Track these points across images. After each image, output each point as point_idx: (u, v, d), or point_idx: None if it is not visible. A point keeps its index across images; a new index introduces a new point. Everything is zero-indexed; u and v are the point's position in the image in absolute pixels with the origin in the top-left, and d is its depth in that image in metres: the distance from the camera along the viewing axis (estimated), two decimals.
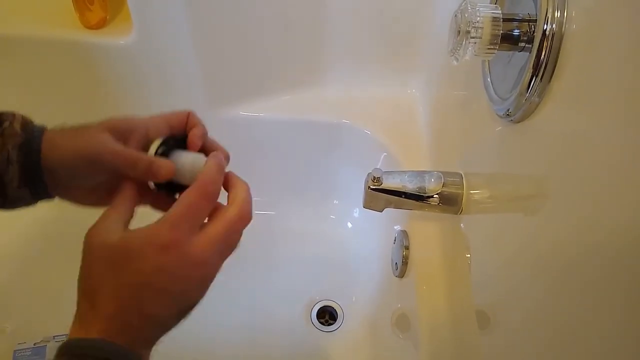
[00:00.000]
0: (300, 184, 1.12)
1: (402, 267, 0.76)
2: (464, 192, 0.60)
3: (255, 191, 1.18)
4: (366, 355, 0.91)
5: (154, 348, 0.33)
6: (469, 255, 0.62)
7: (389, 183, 0.60)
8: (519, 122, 0.45)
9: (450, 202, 0.60)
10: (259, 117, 0.99)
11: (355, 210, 1.11)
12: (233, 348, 0.94)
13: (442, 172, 0.61)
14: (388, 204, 0.62)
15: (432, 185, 0.60)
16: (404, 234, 0.78)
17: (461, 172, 0.62)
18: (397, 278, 0.79)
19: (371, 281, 0.98)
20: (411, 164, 0.82)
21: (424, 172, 0.62)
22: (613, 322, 0.30)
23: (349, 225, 1.12)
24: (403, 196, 0.60)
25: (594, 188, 0.32)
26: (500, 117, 0.48)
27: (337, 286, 1.02)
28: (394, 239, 0.82)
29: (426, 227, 0.74)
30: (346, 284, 1.02)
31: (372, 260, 1.00)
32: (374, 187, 0.60)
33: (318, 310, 1.01)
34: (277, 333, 0.97)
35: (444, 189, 0.60)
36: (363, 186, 0.62)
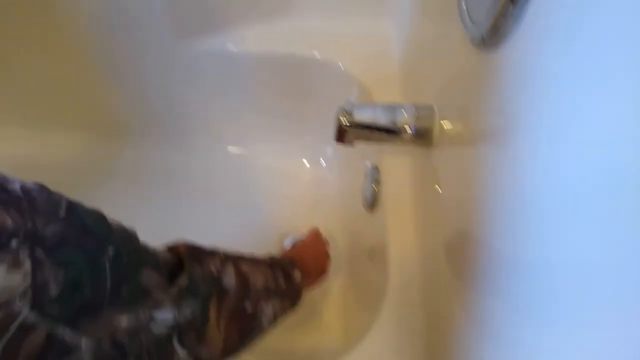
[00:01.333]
0: (271, 120, 1.09)
1: (373, 201, 0.76)
2: (436, 125, 0.59)
3: (225, 128, 1.15)
4: (340, 286, 0.94)
5: None
6: (439, 190, 0.62)
7: (360, 116, 0.59)
8: (492, 50, 0.44)
9: (422, 135, 0.60)
10: (225, 51, 0.94)
11: (328, 148, 1.10)
12: None
13: (414, 105, 0.60)
14: (359, 139, 0.61)
15: (404, 119, 0.59)
16: (376, 169, 0.78)
17: (433, 105, 0.61)
18: (367, 212, 0.80)
19: (344, 216, 0.99)
20: (384, 97, 0.80)
21: (396, 105, 0.60)
22: (576, 256, 0.30)
23: (322, 162, 1.12)
24: (375, 130, 0.59)
25: (562, 123, 0.32)
26: (475, 45, 0.47)
27: (310, 222, 1.03)
28: (365, 173, 0.82)
29: (397, 162, 0.74)
30: (319, 220, 1.03)
31: (345, 196, 1.01)
32: (344, 121, 0.59)
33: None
34: None
35: (416, 122, 0.59)
36: (335, 119, 0.61)
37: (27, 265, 0.30)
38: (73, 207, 0.36)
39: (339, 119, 0.59)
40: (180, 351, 0.44)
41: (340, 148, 1.05)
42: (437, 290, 0.59)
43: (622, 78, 0.26)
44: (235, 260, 0.58)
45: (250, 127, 1.11)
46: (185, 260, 0.49)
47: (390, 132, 0.59)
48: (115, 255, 0.37)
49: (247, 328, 0.56)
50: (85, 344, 0.33)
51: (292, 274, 0.70)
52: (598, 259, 0.28)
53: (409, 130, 0.59)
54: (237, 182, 1.10)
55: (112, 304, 0.36)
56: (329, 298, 0.91)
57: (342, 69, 0.89)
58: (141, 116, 1.09)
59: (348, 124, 0.59)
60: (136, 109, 1.07)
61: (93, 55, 0.97)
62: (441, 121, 0.59)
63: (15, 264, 0.30)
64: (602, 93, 0.28)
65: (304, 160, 1.12)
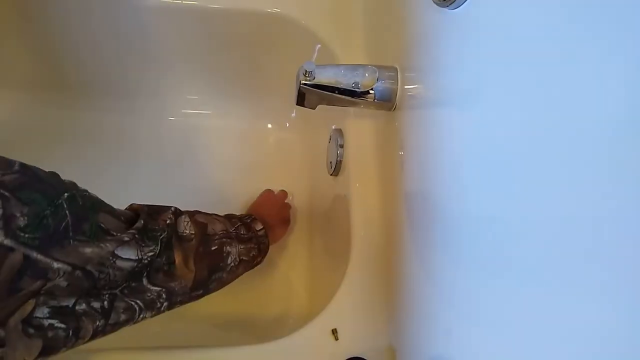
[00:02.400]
0: (232, 81, 1.05)
1: (337, 165, 0.75)
2: (399, 87, 0.58)
3: (179, 90, 1.08)
4: (304, 250, 0.94)
5: None
6: (402, 153, 0.61)
7: (321, 78, 0.57)
8: (455, 8, 0.42)
9: (384, 97, 0.58)
10: (179, 4, 0.89)
11: (292, 111, 1.07)
12: None
13: (376, 66, 0.59)
14: (321, 101, 0.60)
15: (366, 80, 0.57)
16: (339, 132, 0.76)
17: (396, 66, 0.59)
18: (332, 177, 0.79)
19: (309, 181, 0.98)
20: (348, 57, 0.78)
21: (358, 66, 0.59)
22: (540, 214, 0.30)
23: (287, 125, 1.09)
24: (337, 92, 0.57)
25: (525, 85, 0.31)
26: (437, 3, 0.45)
27: (273, 187, 1.02)
28: (329, 137, 0.81)
29: (361, 126, 0.73)
30: (283, 185, 1.02)
31: (310, 160, 1.00)
32: (305, 83, 0.57)
33: None
34: None
35: (379, 84, 0.58)
36: (295, 81, 0.59)
37: None
38: (26, 165, 0.40)
39: (299, 81, 0.57)
40: (152, 288, 0.50)
41: (304, 111, 1.03)
42: (398, 251, 0.60)
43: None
44: (189, 213, 0.61)
45: (208, 88, 1.06)
46: (140, 213, 0.52)
47: (353, 95, 0.57)
48: (71, 197, 0.41)
49: (215, 263, 0.61)
50: (57, 267, 0.39)
51: (251, 224, 0.73)
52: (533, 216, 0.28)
53: (371, 93, 0.57)
54: (193, 147, 1.06)
55: (76, 239, 0.40)
56: (295, 263, 0.91)
57: (305, 25, 0.86)
58: (86, 77, 1.02)
59: (309, 86, 0.57)
60: (80, 69, 1.00)
61: (33, 8, 0.90)
62: (404, 84, 0.57)
63: None
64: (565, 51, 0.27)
65: (268, 124, 1.10)
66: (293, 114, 1.08)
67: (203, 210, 0.66)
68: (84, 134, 1.04)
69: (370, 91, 0.58)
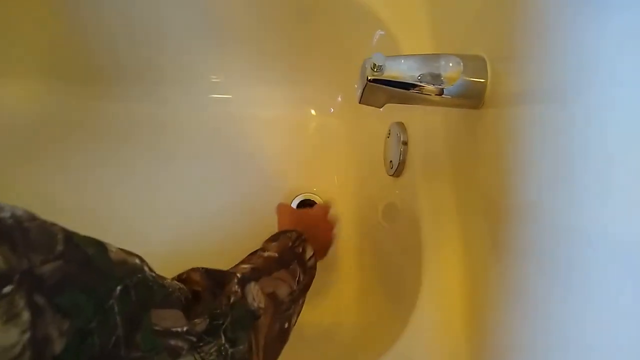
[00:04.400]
0: (270, 60, 0.95)
1: (399, 165, 0.65)
2: (489, 80, 0.47)
3: (209, 71, 0.96)
4: (353, 248, 0.85)
5: None
6: (486, 157, 0.51)
7: (393, 72, 0.47)
8: None
9: (470, 93, 0.48)
10: None
11: (338, 96, 0.97)
12: (203, 250, 0.86)
13: (459, 56, 0.48)
14: (390, 99, 0.49)
15: (450, 73, 0.47)
16: (401, 127, 0.66)
17: (483, 55, 0.49)
18: (391, 177, 0.69)
19: (357, 178, 0.88)
20: (412, 44, 0.67)
21: (437, 56, 0.48)
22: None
23: (331, 110, 0.99)
24: (412, 89, 0.47)
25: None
26: None
27: (318, 184, 0.93)
28: (387, 132, 0.71)
29: (429, 121, 0.62)
30: (329, 181, 0.92)
31: (359, 153, 0.90)
32: (374, 78, 0.47)
33: (298, 205, 0.92)
34: (249, 235, 0.88)
35: (464, 77, 0.47)
36: (359, 76, 0.49)
37: (26, 316, 0.24)
38: (70, 238, 0.29)
39: (365, 76, 0.47)
40: None
41: (352, 94, 0.93)
42: (479, 276, 0.51)
43: None
44: (252, 275, 0.49)
45: (242, 70, 0.97)
46: (202, 292, 0.41)
47: (432, 91, 0.47)
48: (124, 292, 0.31)
49: (281, 346, 0.50)
50: None
51: (304, 256, 0.62)
52: None
53: (455, 88, 0.47)
54: (228, 135, 0.97)
55: (129, 358, 0.30)
56: (340, 277, 0.83)
57: (361, 2, 0.75)
58: (107, 61, 0.93)
59: (378, 82, 0.47)
60: (101, 53, 0.91)
61: None
62: (497, 76, 0.47)
63: (11, 315, 0.24)
64: None
65: (311, 110, 1.00)
66: (339, 98, 0.98)
67: (258, 262, 0.54)
68: (101, 125, 0.96)
69: (453, 86, 0.47)
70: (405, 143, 0.65)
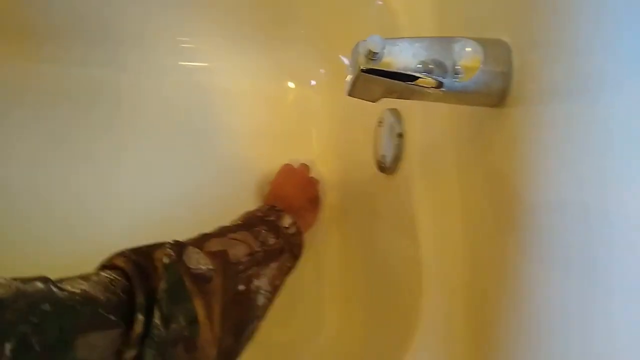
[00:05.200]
0: (243, 27, 0.82)
1: (392, 161, 0.55)
2: (514, 70, 0.37)
3: (182, 32, 0.83)
4: (335, 243, 0.76)
5: None
6: (503, 159, 0.41)
7: (393, 59, 0.36)
8: None
9: (490, 89, 0.38)
10: None
11: (321, 68, 0.85)
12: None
13: (478, 40, 0.37)
14: (389, 93, 0.39)
15: (466, 61, 0.36)
16: (396, 115, 0.56)
17: (507, 41, 0.38)
18: (382, 174, 0.59)
19: (342, 170, 0.78)
20: (415, 23, 0.55)
21: (449, 39, 0.37)
22: None
23: (313, 83, 0.88)
24: (416, 81, 0.36)
25: None
26: None
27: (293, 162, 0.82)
28: (378, 119, 0.60)
29: (430, 110, 0.52)
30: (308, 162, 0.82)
31: (345, 141, 0.80)
32: (369, 68, 0.36)
33: None
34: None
35: (484, 67, 0.37)
36: (350, 62, 0.38)
37: None
38: None
39: (357, 65, 0.36)
40: None
41: (337, 67, 0.81)
42: (489, 301, 0.42)
43: None
44: (195, 242, 0.45)
45: (215, 35, 0.84)
46: (131, 279, 0.37)
47: (442, 85, 0.37)
48: (20, 347, 0.26)
49: (244, 315, 0.45)
50: None
51: (279, 223, 0.57)
52: None
53: (472, 83, 0.37)
54: (193, 109, 0.85)
55: None
56: (324, 273, 0.74)
57: None
58: (59, 19, 0.79)
59: (374, 72, 0.36)
60: (52, 10, 0.77)
61: None
62: (525, 66, 0.36)
63: None
64: None
65: (289, 83, 0.88)
66: (322, 70, 0.86)
67: (212, 231, 0.49)
68: (52, 91, 0.82)
69: (471, 79, 0.37)
70: (400, 135, 0.54)
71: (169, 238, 0.68)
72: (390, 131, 0.56)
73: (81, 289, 0.32)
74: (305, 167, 0.77)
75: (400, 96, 0.39)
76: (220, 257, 0.43)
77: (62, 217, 0.75)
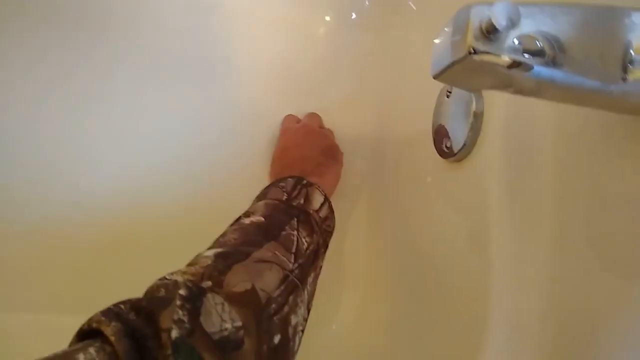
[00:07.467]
0: None
1: (465, 147, 0.42)
2: None
3: None
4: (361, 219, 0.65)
5: None
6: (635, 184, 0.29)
7: (527, 39, 0.22)
8: None
9: None
10: None
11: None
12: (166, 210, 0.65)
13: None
14: (503, 86, 0.25)
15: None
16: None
17: None
18: (443, 160, 0.46)
19: (382, 139, 0.65)
20: None
21: (614, 10, 0.23)
22: None
23: (353, 16, 0.71)
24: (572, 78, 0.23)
25: None
26: None
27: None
28: (445, 89, 0.46)
29: None
30: (340, 122, 0.69)
31: (392, 101, 0.65)
32: (484, 50, 0.22)
33: None
34: (232, 189, 0.65)
35: None
36: (448, 29, 0.24)
37: None
38: None
39: (465, 41, 0.22)
40: None
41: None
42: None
43: None
44: (215, 274, 0.32)
45: None
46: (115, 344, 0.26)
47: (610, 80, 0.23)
48: None
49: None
50: None
51: (310, 206, 0.46)
52: None
53: None
54: (211, 37, 0.70)
55: None
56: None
57: None
58: None
59: (486, 53, 0.22)
60: None
61: None
62: None
63: None
64: None
65: (325, 16, 0.72)
66: (366, 2, 0.70)
67: (228, 245, 0.37)
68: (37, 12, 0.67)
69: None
70: (478, 115, 0.41)
71: (171, 186, 0.58)
72: (463, 106, 0.42)
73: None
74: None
75: (520, 92, 0.25)
76: (248, 301, 0.32)
77: (52, 153, 0.63)
